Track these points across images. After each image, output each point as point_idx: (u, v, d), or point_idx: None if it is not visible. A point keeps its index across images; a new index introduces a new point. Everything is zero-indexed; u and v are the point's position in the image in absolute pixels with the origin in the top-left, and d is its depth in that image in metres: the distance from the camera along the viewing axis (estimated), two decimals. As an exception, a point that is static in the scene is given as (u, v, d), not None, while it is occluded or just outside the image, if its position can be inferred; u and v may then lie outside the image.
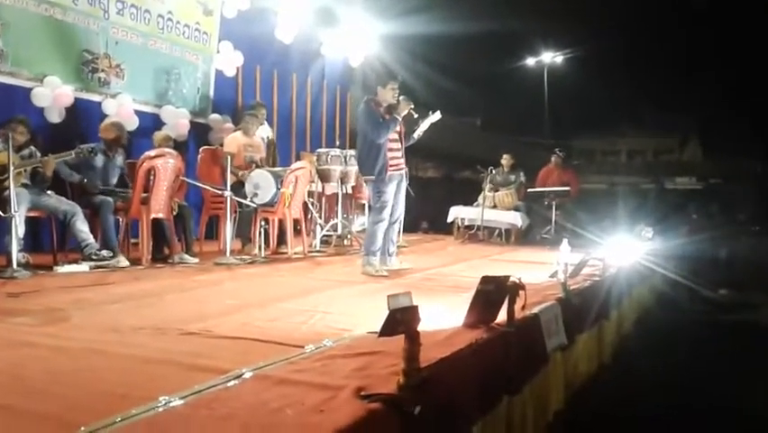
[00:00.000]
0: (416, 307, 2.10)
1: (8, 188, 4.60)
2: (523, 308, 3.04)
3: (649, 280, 7.33)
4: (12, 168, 4.58)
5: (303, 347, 2.63)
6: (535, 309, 3.33)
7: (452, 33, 10.27)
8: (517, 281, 2.85)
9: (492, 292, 2.80)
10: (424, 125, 5.63)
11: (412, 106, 5.42)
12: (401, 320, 1.99)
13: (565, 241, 4.50)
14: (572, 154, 11.89)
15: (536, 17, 12.37)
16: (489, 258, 6.98)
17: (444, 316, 3.21)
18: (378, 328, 2.51)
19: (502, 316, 2.89)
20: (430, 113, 5.59)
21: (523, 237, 9.28)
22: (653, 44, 14.37)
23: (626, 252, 6.10)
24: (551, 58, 17.46)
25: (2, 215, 4.62)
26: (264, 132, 7.60)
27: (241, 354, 2.58)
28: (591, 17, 13.14)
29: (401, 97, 5.38)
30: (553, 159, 9.96)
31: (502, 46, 14.05)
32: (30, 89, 5.92)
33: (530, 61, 17.62)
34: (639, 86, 15.15)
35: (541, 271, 5.13)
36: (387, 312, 2.25)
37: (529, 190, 9.52)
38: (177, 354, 2.57)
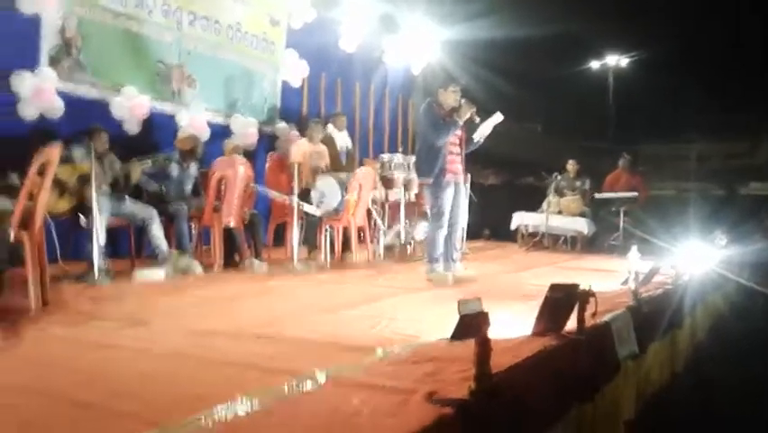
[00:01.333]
0: (487, 312, 2.12)
1: (90, 196, 4.84)
2: (593, 315, 3.01)
3: (723, 289, 7.08)
4: (94, 176, 4.82)
5: (374, 351, 2.69)
6: (606, 317, 3.29)
7: (514, 38, 10.18)
8: (587, 289, 2.83)
9: (561, 300, 2.79)
10: (485, 127, 5.58)
11: (474, 110, 5.37)
12: (472, 325, 2.02)
13: (634, 248, 4.42)
14: (639, 160, 11.56)
15: (600, 19, 12.12)
16: (555, 265, 6.89)
17: (512, 323, 3.21)
18: (446, 335, 2.54)
19: (572, 324, 2.87)
20: (479, 123, 5.53)
21: (589, 245, 9.09)
22: (721, 43, 13.82)
23: (698, 259, 5.91)
24: (615, 61, 17.07)
25: (85, 221, 4.85)
26: (343, 140, 7.75)
27: (314, 357, 2.65)
28: (656, 18, 12.79)
29: (463, 101, 5.33)
30: (620, 163, 9.70)
31: (565, 49, 13.82)
32: (108, 101, 6.21)
33: (594, 65, 17.28)
34: (708, 87, 14.61)
35: (610, 279, 5.04)
36: (457, 317, 2.29)
37: (596, 196, 9.31)
38: (253, 357, 2.67)
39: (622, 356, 3.34)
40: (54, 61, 5.74)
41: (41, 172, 3.76)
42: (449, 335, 2.49)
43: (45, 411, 2.05)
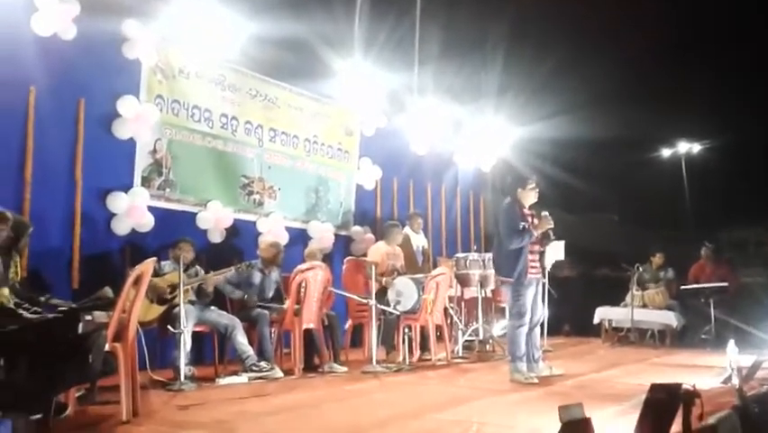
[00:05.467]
0: (590, 418, 2.03)
1: (178, 305, 5.02)
2: (700, 418, 2.83)
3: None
4: (182, 286, 5.01)
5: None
6: (711, 419, 3.07)
7: (582, 135, 10.25)
8: (692, 389, 2.67)
9: (664, 401, 2.64)
10: (549, 257, 5.61)
11: (551, 227, 5.43)
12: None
13: (732, 342, 4.19)
14: (723, 247, 11.09)
15: (668, 110, 12.07)
16: (646, 362, 6.56)
17: (607, 427, 3.05)
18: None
19: (676, 427, 2.70)
20: (553, 240, 5.60)
21: (679, 339, 8.64)
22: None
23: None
24: (686, 148, 16.82)
25: (173, 330, 5.00)
26: (420, 241, 7.84)
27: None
28: (725, 106, 12.67)
29: (543, 214, 5.42)
30: (703, 252, 9.34)
31: (636, 139, 13.76)
32: (195, 213, 6.53)
33: (665, 153, 17.07)
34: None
35: (707, 375, 4.76)
36: (553, 422, 2.19)
37: (683, 288, 8.94)
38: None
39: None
40: (146, 180, 6.13)
41: (135, 284, 3.94)
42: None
43: None
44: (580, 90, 9.92)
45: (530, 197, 5.44)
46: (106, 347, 3.74)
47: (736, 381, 3.74)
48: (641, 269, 8.97)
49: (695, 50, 11.21)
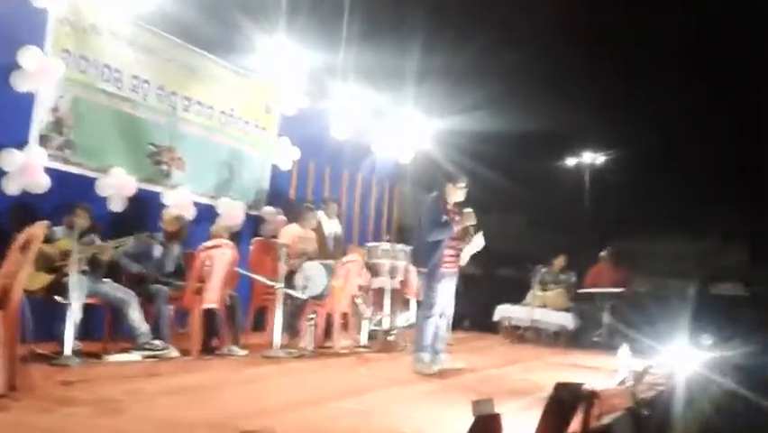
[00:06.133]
0: (499, 414, 2.01)
1: (68, 274, 4.68)
2: (598, 418, 2.89)
3: (710, 391, 6.97)
4: (75, 254, 4.67)
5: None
6: (606, 419, 3.15)
7: (500, 131, 10.46)
8: (593, 389, 2.72)
9: (566, 401, 2.67)
10: (468, 251, 5.63)
11: (472, 224, 5.47)
12: (485, 428, 1.90)
13: (625, 346, 4.34)
14: (620, 256, 11.62)
15: (580, 116, 12.55)
16: (543, 360, 6.76)
17: (509, 421, 3.06)
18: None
19: (575, 425, 2.74)
20: (474, 236, 5.59)
21: (573, 339, 8.97)
22: (696, 144, 14.34)
23: (685, 360, 5.83)
24: (592, 158, 17.54)
25: (61, 301, 4.66)
26: (333, 227, 7.70)
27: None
28: (633, 117, 13.33)
29: (466, 210, 5.45)
30: (602, 255, 9.69)
31: (550, 144, 14.23)
32: (95, 179, 6.13)
33: (570, 161, 17.74)
34: (684, 185, 15.02)
35: (599, 376, 4.93)
36: (450, 415, 2.16)
37: (579, 291, 9.29)
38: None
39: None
40: (44, 139, 5.67)
41: (23, 250, 3.62)
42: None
43: None
44: (500, 82, 10.10)
45: (457, 194, 5.48)
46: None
47: (630, 383, 3.86)
48: (543, 270, 9.24)
49: (612, 52, 11.67)
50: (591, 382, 3.57)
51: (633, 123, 14.06)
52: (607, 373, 5.21)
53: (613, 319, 8.66)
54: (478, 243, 5.55)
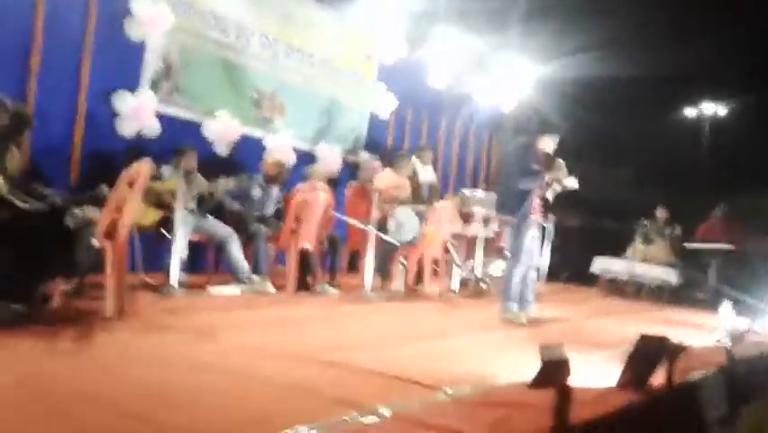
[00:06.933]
0: (568, 360, 1.98)
1: (175, 210, 4.97)
2: (685, 373, 2.78)
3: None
4: (181, 193, 4.95)
5: (442, 390, 2.57)
6: (695, 376, 3.03)
7: (611, 77, 9.87)
8: (679, 343, 2.62)
9: (650, 352, 2.59)
10: (557, 187, 5.45)
11: (564, 173, 5.31)
12: (553, 373, 1.88)
13: (728, 304, 4.12)
14: (736, 212, 10.91)
15: (699, 64, 11.62)
16: (639, 315, 6.54)
17: (589, 371, 3.02)
18: (518, 378, 2.40)
19: (658, 379, 2.66)
20: (568, 177, 5.40)
21: (675, 296, 8.60)
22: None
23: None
24: (712, 110, 16.40)
25: (167, 235, 4.99)
26: (428, 175, 7.72)
27: (379, 389, 2.57)
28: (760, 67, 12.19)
29: (558, 160, 5.31)
30: (716, 211, 9.13)
31: (665, 93, 13.33)
32: (200, 123, 6.41)
33: (689, 112, 16.66)
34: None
35: (698, 334, 4.73)
36: (533, 361, 2.15)
37: (686, 245, 8.83)
38: (316, 384, 2.60)
39: (711, 419, 3.07)
40: (154, 84, 5.99)
41: (130, 185, 3.88)
42: (523, 379, 2.35)
43: (91, 419, 2.04)
44: (616, 19, 9.46)
45: (548, 146, 5.33)
46: (96, 244, 3.73)
47: (727, 341, 3.68)
48: (647, 223, 8.86)
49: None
50: (684, 338, 3.44)
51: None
52: (706, 330, 4.99)
53: (720, 277, 8.22)
54: (570, 183, 5.40)
